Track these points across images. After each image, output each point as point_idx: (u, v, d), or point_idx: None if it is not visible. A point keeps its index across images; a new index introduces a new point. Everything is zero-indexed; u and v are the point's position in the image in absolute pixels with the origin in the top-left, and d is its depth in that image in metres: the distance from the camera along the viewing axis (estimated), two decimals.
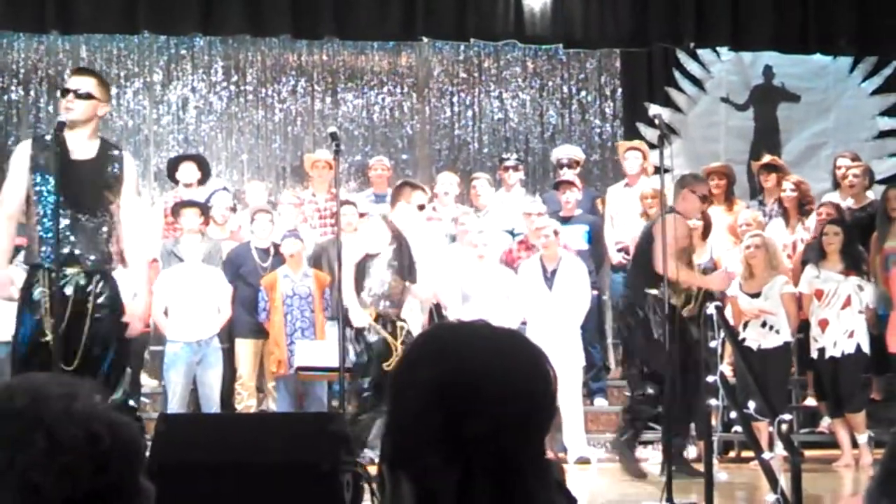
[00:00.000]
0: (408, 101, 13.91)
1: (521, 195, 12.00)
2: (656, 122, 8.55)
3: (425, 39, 13.30)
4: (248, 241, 10.87)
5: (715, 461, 7.74)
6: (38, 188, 6.59)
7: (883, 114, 13.84)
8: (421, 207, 9.44)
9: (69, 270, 6.53)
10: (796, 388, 10.92)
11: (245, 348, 10.55)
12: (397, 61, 13.93)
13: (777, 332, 9.87)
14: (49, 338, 6.42)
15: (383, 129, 13.83)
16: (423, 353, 1.78)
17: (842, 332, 9.96)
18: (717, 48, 13.66)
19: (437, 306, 10.44)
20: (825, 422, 10.60)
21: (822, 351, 10.01)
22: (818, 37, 13.45)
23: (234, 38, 13.30)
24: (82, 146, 6.66)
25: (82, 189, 6.58)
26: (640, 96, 13.68)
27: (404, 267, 9.27)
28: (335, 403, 9.20)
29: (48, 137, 6.67)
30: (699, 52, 13.67)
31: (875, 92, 13.86)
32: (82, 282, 6.58)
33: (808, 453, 8.99)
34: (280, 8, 12.57)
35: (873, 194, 11.39)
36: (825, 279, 10.05)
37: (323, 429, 5.66)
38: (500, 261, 10.86)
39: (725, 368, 9.69)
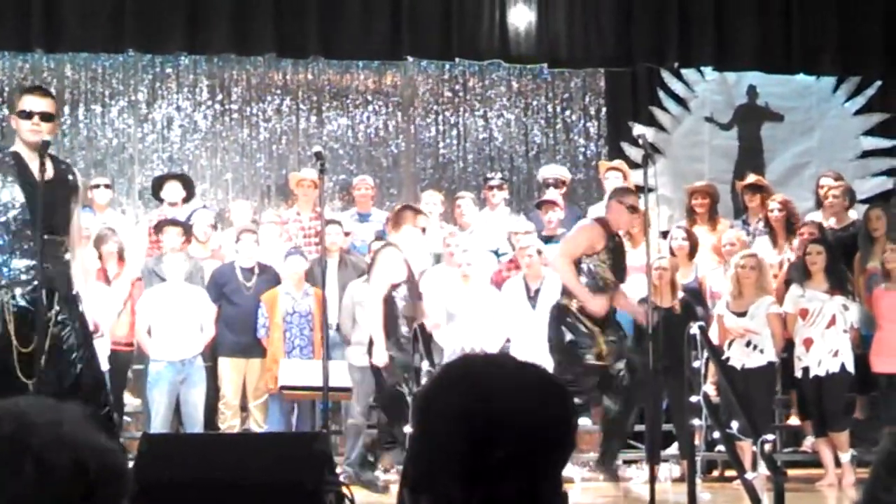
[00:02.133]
0: (393, 119, 13.91)
1: (505, 214, 12.00)
2: (640, 141, 8.57)
3: (410, 59, 13.32)
4: (233, 260, 10.85)
5: (698, 481, 7.75)
6: None
7: (866, 133, 13.88)
8: (423, 230, 9.49)
9: (20, 289, 6.40)
10: (779, 407, 10.92)
11: (229, 367, 10.51)
12: (382, 80, 13.93)
13: (761, 351, 9.88)
14: (15, 345, 6.30)
15: (368, 148, 13.82)
16: (449, 383, 1.83)
17: (826, 352, 9.95)
18: (702, 68, 13.70)
19: (422, 326, 10.42)
20: (808, 441, 10.61)
21: (806, 370, 10.00)
22: (802, 57, 13.53)
23: (220, 57, 13.29)
24: (45, 166, 6.53)
25: (52, 210, 6.45)
26: (624, 116, 13.68)
27: (415, 292, 9.34)
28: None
29: (6, 158, 6.55)
30: (683, 71, 13.71)
31: (858, 112, 13.90)
32: (44, 301, 6.43)
33: (790, 472, 9.01)
34: (265, 27, 12.58)
35: (856, 214, 11.42)
36: (810, 298, 10.05)
37: (307, 448, 5.65)
38: (490, 281, 10.85)
39: (709, 388, 9.72)
